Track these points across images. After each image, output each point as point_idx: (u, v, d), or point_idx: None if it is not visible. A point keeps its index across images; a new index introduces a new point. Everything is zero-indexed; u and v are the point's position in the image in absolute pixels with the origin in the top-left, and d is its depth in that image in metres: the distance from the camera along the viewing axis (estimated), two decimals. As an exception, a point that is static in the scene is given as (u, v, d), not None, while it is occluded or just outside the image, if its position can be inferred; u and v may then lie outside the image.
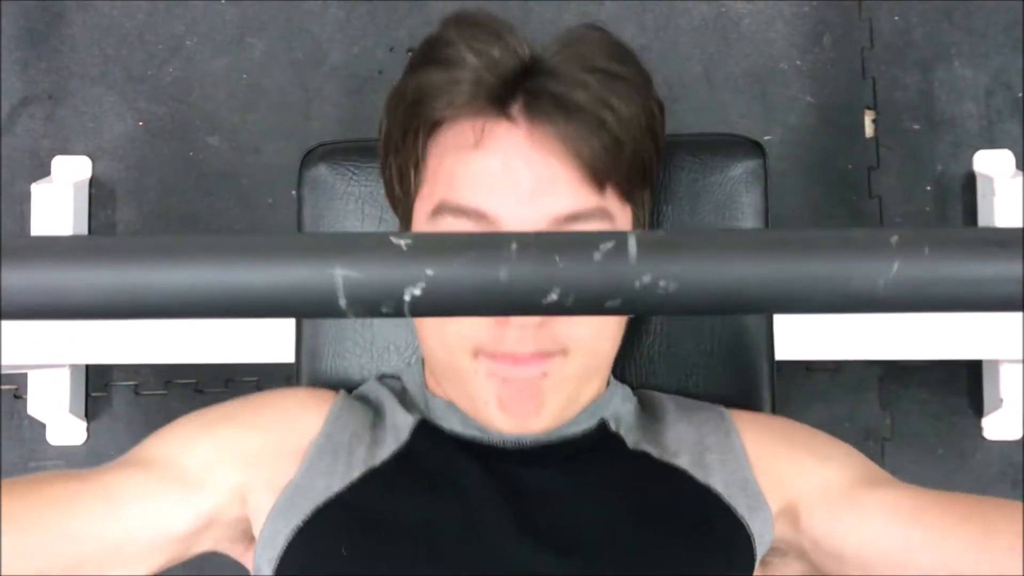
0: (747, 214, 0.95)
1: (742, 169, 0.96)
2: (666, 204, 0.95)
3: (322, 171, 0.97)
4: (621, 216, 0.74)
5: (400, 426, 0.78)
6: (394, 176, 0.77)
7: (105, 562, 0.68)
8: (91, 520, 0.67)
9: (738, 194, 0.95)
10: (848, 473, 0.75)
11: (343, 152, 0.97)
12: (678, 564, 0.69)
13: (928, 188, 1.56)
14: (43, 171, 1.57)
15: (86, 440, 1.55)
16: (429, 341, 0.75)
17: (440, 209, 0.71)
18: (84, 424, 1.55)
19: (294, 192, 0.97)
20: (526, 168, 0.69)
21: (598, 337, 0.73)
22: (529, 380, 0.71)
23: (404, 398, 0.83)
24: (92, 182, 1.58)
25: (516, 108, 0.70)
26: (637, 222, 0.78)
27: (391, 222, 0.95)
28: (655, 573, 0.68)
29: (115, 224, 1.58)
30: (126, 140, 1.59)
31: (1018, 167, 1.54)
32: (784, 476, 0.76)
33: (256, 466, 0.74)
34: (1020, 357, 1.24)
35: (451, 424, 0.78)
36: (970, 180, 1.55)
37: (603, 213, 0.71)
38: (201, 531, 0.73)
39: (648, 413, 0.84)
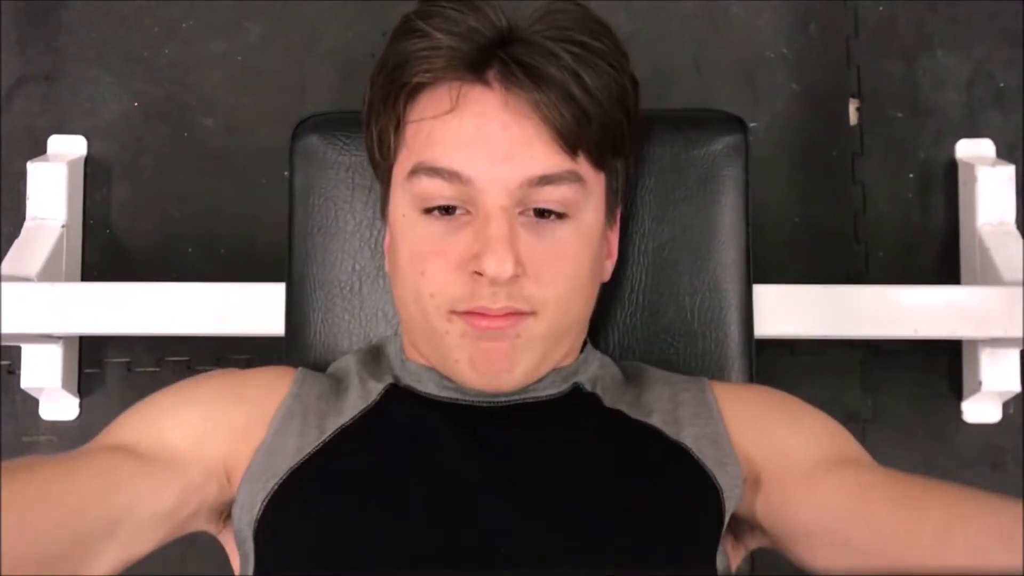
0: (728, 188, 0.98)
1: (723, 144, 0.98)
2: (649, 177, 0.97)
3: (314, 141, 0.99)
4: (594, 182, 0.77)
5: (370, 389, 0.79)
6: (375, 142, 0.79)
7: (105, 539, 0.66)
8: (92, 497, 0.65)
9: (719, 168, 0.98)
10: (811, 449, 0.74)
11: (335, 122, 1.00)
12: (645, 519, 0.70)
13: (911, 175, 1.59)
14: (39, 150, 1.59)
15: (79, 415, 1.57)
16: (404, 302, 0.77)
17: (416, 170, 0.73)
18: (77, 400, 1.57)
19: (287, 173, 0.99)
20: (501, 130, 0.71)
21: (570, 297, 0.75)
22: (502, 342, 0.73)
23: (377, 365, 0.85)
24: (88, 161, 1.59)
25: (491, 74, 0.73)
26: (610, 188, 0.81)
27: (380, 191, 0.98)
28: (621, 528, 0.69)
29: (110, 203, 1.59)
30: (122, 120, 1.61)
31: (998, 156, 1.56)
32: (754, 443, 0.76)
33: (240, 439, 0.75)
34: (999, 335, 1.26)
35: (427, 387, 0.79)
36: (952, 168, 1.58)
37: (575, 176, 0.73)
38: (193, 507, 0.73)
39: (630, 379, 0.86)
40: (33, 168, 1.53)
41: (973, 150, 1.57)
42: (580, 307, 0.78)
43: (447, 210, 0.73)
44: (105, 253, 1.58)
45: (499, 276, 0.69)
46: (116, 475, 0.68)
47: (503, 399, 0.78)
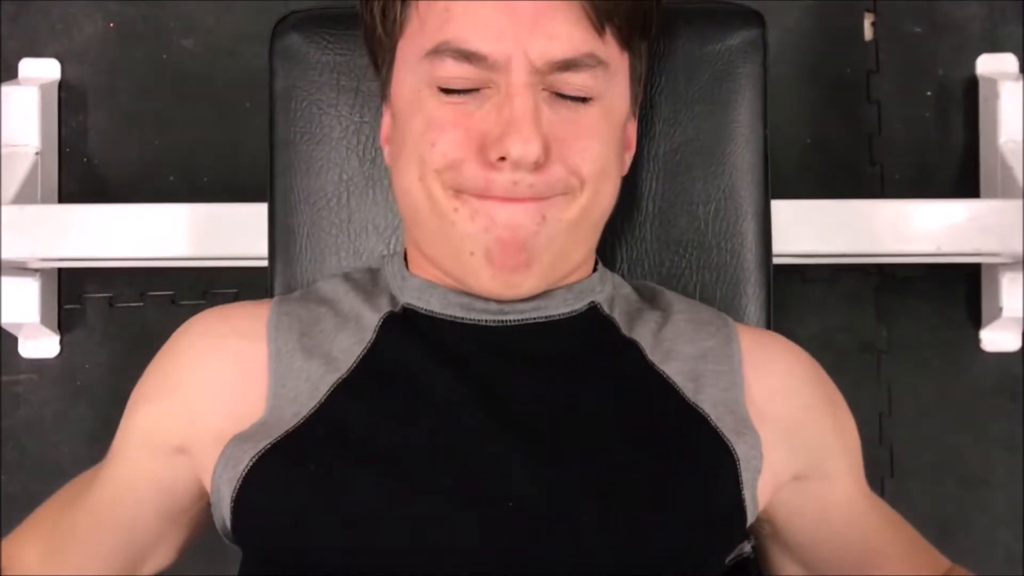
0: (745, 87, 0.91)
1: (740, 39, 0.91)
2: (660, 75, 0.90)
3: (295, 40, 0.92)
4: (618, 64, 0.71)
5: (365, 325, 0.72)
6: (376, 17, 0.72)
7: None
8: (139, 511, 0.72)
9: (736, 65, 0.91)
10: (847, 474, 0.75)
11: (317, 20, 0.92)
12: (658, 488, 0.65)
13: (928, 93, 1.51)
14: (10, 74, 1.51)
15: (60, 353, 1.51)
16: (407, 188, 0.70)
17: (437, 50, 0.66)
18: (57, 337, 1.50)
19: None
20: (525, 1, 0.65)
21: (602, 180, 0.69)
22: (522, 226, 0.66)
23: (373, 285, 0.78)
24: (62, 86, 1.51)
25: None
26: (634, 72, 0.74)
27: (368, 93, 0.90)
28: (634, 495, 0.64)
29: (87, 130, 1.52)
30: (97, 42, 1.53)
31: (1022, 71, 1.49)
32: (791, 437, 0.72)
33: (226, 418, 0.70)
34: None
35: (429, 304, 0.72)
36: (972, 84, 1.50)
37: (597, 60, 0.67)
38: (195, 494, 0.72)
39: (647, 301, 0.79)
40: (4, 93, 1.45)
41: (995, 65, 1.49)
42: (609, 196, 0.72)
43: (467, 91, 0.67)
44: (82, 182, 1.51)
45: (525, 158, 0.63)
46: (108, 514, 0.72)
47: (513, 317, 0.71)
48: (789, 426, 0.72)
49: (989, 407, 1.50)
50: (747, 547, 0.73)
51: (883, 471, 1.48)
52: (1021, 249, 1.20)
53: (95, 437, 1.49)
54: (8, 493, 1.49)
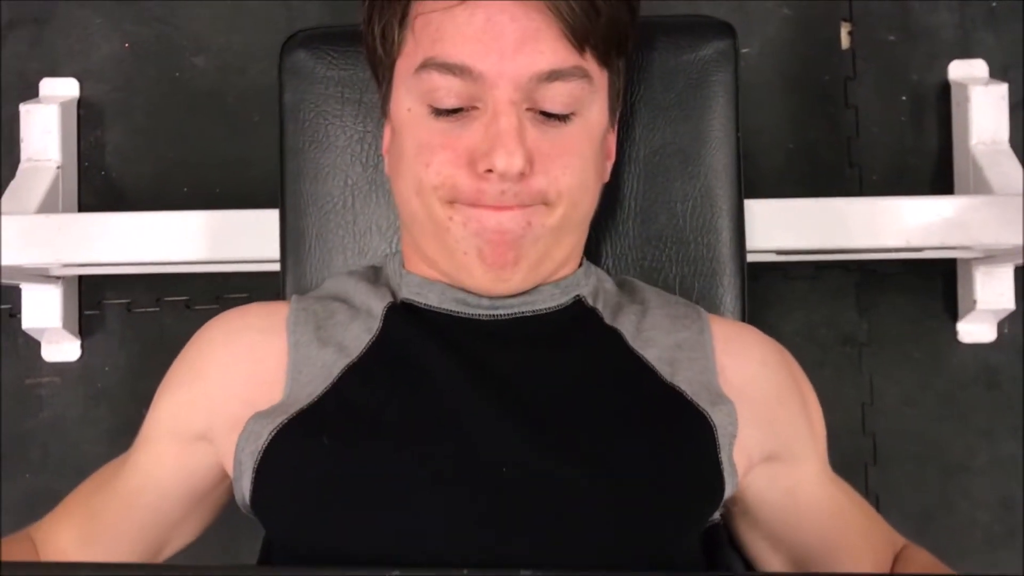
0: (718, 93, 0.98)
1: (712, 49, 0.98)
2: (640, 84, 0.97)
3: (302, 56, 0.99)
4: (599, 79, 0.77)
5: (373, 310, 0.79)
6: (377, 38, 0.79)
7: (166, 536, 0.80)
8: (130, 529, 0.79)
9: (709, 74, 0.98)
10: (812, 456, 0.81)
11: (323, 37, 1.00)
12: (641, 455, 0.71)
13: (903, 98, 1.58)
14: (32, 93, 1.59)
15: (80, 356, 1.58)
16: (406, 197, 0.77)
17: (426, 65, 0.73)
18: (78, 341, 1.58)
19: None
20: (511, 22, 0.71)
21: (580, 191, 0.76)
22: (510, 231, 0.73)
23: (376, 281, 0.84)
24: (80, 103, 1.59)
25: None
26: (612, 88, 0.81)
27: (370, 104, 0.98)
28: (619, 462, 0.70)
29: (104, 145, 1.60)
30: (113, 62, 1.61)
31: (991, 76, 1.56)
32: (759, 421, 0.78)
33: (244, 404, 0.76)
34: (991, 244, 1.27)
35: (427, 299, 0.79)
36: (944, 90, 1.57)
37: (582, 72, 0.74)
38: (218, 475, 0.79)
39: (627, 295, 0.86)
40: (26, 110, 1.53)
41: (966, 71, 1.57)
42: (588, 204, 0.79)
43: (455, 111, 0.73)
44: (100, 194, 1.59)
45: (509, 170, 0.70)
46: (137, 498, 0.78)
47: (504, 312, 0.78)
48: (763, 409, 0.78)
49: (968, 396, 1.56)
50: (715, 514, 0.80)
51: (866, 459, 1.55)
52: (987, 242, 1.27)
53: (115, 437, 1.56)
54: (33, 491, 1.56)
